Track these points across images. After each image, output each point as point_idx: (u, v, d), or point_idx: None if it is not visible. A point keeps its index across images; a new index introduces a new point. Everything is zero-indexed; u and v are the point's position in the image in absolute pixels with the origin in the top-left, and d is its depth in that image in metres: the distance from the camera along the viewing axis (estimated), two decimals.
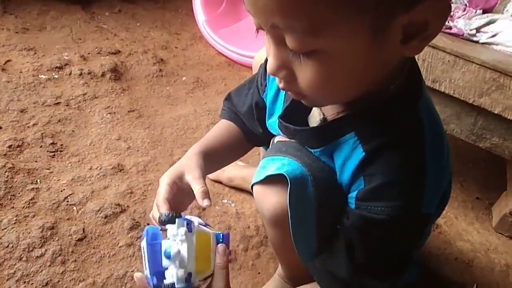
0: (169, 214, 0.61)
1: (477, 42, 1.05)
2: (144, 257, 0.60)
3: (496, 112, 0.94)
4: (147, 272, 0.59)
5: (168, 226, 0.59)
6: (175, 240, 0.58)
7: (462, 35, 1.05)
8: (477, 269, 1.01)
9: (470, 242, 1.08)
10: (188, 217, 0.63)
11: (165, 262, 0.58)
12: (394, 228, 0.55)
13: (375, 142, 0.54)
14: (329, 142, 0.59)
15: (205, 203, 0.63)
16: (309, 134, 0.62)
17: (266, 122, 0.76)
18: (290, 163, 0.59)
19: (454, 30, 1.06)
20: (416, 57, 0.99)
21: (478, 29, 1.08)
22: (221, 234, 0.63)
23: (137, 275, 0.61)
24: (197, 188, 0.64)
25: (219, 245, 0.61)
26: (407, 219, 0.55)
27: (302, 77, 0.49)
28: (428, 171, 0.54)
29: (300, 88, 0.51)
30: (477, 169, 1.33)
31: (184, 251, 0.58)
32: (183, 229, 0.58)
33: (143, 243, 0.60)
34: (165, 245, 0.58)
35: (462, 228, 1.12)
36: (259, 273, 0.91)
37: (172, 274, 0.58)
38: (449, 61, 0.96)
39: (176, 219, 0.59)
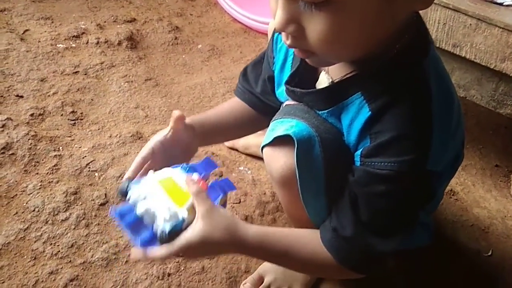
0: (124, 185, 0.62)
1: (501, 4, 1.01)
2: (127, 233, 0.60)
3: None
4: (135, 241, 0.59)
5: (129, 194, 0.61)
6: (139, 201, 0.59)
7: None
8: (493, 235, 1.01)
9: (487, 209, 1.07)
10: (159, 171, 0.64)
11: (147, 221, 0.59)
12: (397, 184, 0.55)
13: (381, 100, 0.55)
14: (336, 103, 0.60)
15: (175, 113, 0.68)
16: (316, 96, 0.63)
17: (275, 92, 0.76)
18: (297, 125, 0.60)
19: None
20: (437, 20, 0.97)
21: None
22: (186, 166, 0.63)
23: (132, 250, 0.61)
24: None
25: (187, 176, 0.61)
26: (410, 175, 0.55)
27: (312, 30, 0.49)
28: (434, 128, 0.54)
29: (309, 43, 0.51)
30: (497, 136, 1.31)
31: (152, 204, 0.59)
32: (137, 191, 0.60)
33: (120, 224, 0.60)
34: (137, 210, 0.59)
35: (479, 195, 1.11)
36: None
37: (160, 224, 0.58)
38: (470, 24, 0.93)
39: (131, 186, 0.61)
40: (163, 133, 0.71)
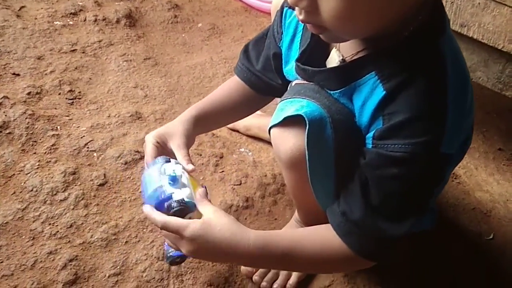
0: (163, 158, 0.69)
1: None
2: (149, 181, 0.66)
3: None
4: (150, 193, 0.65)
5: (165, 165, 0.67)
6: (177, 169, 0.67)
7: None
8: (495, 219, 1.01)
9: (489, 193, 1.07)
10: None
11: (169, 189, 0.64)
12: (411, 167, 0.54)
13: (396, 80, 0.53)
14: (349, 83, 0.58)
15: (189, 167, 0.68)
16: (328, 75, 0.61)
17: (283, 70, 0.74)
18: (308, 105, 0.58)
19: None
20: None
21: None
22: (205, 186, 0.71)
23: (145, 207, 0.65)
24: (180, 156, 0.70)
25: (201, 189, 0.67)
26: (425, 158, 0.53)
27: (325, 6, 0.48)
28: (449, 109, 0.53)
29: (322, 19, 0.50)
30: (501, 120, 1.30)
31: (185, 177, 0.67)
32: (179, 165, 0.67)
33: (149, 170, 0.67)
34: (176, 172, 0.66)
35: (482, 178, 1.10)
36: (275, 219, 0.93)
37: (179, 193, 0.64)
38: (479, 3, 0.90)
39: (172, 160, 0.69)
40: (157, 132, 0.74)
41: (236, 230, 0.60)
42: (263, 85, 0.81)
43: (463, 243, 0.94)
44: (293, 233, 0.71)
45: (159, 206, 0.64)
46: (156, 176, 0.66)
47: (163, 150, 0.72)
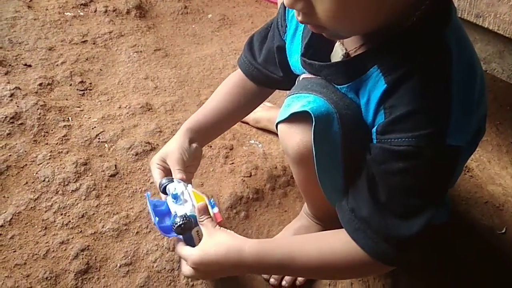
0: (167, 178, 0.72)
1: None
2: (152, 212, 0.70)
3: None
4: (158, 217, 0.70)
5: (169, 185, 0.70)
6: (178, 187, 0.69)
7: None
8: (508, 213, 0.99)
9: (502, 186, 1.05)
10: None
11: (173, 208, 0.68)
12: (416, 160, 0.52)
13: (397, 72, 0.52)
14: (356, 78, 0.57)
15: (179, 175, 0.72)
16: (335, 70, 0.60)
17: (289, 62, 0.73)
18: (315, 100, 0.57)
19: None
20: None
21: None
22: (212, 200, 0.73)
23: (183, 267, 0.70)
24: (174, 173, 0.73)
25: (200, 203, 0.68)
26: (429, 150, 0.52)
27: (320, 6, 0.48)
28: (454, 101, 0.51)
29: (319, 19, 0.50)
30: None
31: (187, 193, 0.69)
32: (182, 183, 0.70)
33: (149, 204, 0.71)
34: (176, 190, 0.69)
35: (494, 172, 1.09)
36: (285, 211, 0.92)
37: (181, 209, 0.67)
38: None
39: (174, 180, 0.71)
40: (159, 154, 0.76)
41: (230, 246, 0.62)
42: (264, 78, 0.80)
43: (475, 237, 0.93)
44: (290, 240, 0.72)
45: (169, 227, 0.68)
46: (161, 201, 0.72)
47: (166, 170, 0.76)
